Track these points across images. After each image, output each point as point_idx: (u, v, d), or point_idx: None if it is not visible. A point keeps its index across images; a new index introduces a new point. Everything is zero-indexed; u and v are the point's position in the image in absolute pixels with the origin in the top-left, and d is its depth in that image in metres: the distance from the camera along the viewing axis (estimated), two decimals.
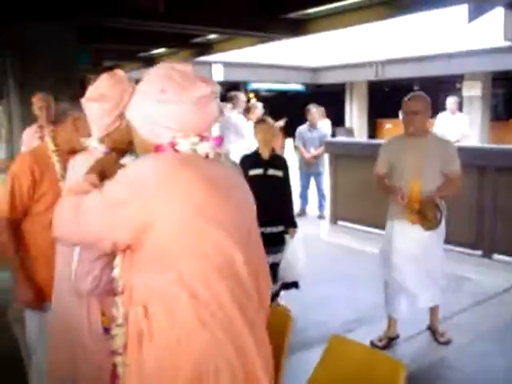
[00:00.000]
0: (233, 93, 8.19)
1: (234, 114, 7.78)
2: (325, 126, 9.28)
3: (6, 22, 5.74)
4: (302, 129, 8.70)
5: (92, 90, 2.03)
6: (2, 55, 6.10)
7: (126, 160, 1.93)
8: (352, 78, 17.90)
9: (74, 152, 2.47)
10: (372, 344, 3.93)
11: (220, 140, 1.52)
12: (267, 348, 1.52)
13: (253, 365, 1.41)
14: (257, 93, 22.06)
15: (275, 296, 4.42)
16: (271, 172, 4.36)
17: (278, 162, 4.46)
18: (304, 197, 8.76)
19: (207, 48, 10.29)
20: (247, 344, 1.40)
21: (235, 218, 1.46)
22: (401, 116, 3.90)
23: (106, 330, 1.94)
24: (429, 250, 3.88)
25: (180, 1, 6.47)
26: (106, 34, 8.40)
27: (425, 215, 3.70)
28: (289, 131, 8.80)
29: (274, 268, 4.32)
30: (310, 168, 8.61)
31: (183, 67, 1.51)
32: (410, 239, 3.86)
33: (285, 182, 4.44)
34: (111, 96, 1.96)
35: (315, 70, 18.48)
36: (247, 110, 8.06)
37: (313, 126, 8.57)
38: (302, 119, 8.86)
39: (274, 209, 4.28)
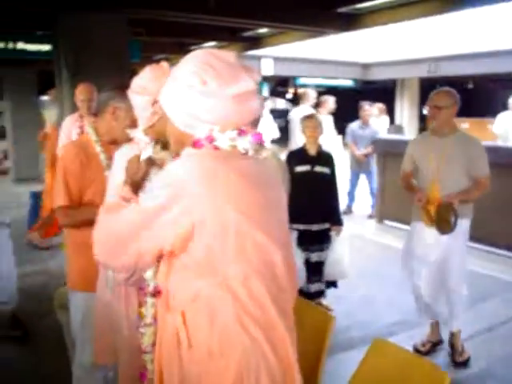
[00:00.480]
0: (303, 90, 8.40)
1: (302, 109, 7.82)
2: (382, 123, 9.12)
3: (60, 13, 5.88)
4: (353, 126, 8.51)
5: (135, 82, 2.04)
6: (55, 45, 6.26)
7: (162, 155, 1.91)
8: (404, 74, 17.55)
9: (115, 142, 2.51)
10: (415, 349, 3.82)
11: (260, 136, 1.43)
12: (295, 335, 1.49)
13: (288, 359, 1.41)
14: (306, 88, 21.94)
15: (320, 294, 4.38)
16: (318, 169, 4.31)
17: (325, 158, 4.41)
18: (351, 195, 8.64)
19: (257, 42, 10.29)
20: (284, 340, 1.40)
21: (273, 217, 1.43)
22: (425, 111, 3.73)
23: None
24: (450, 256, 3.68)
25: None
26: (156, 27, 8.50)
27: (441, 218, 3.52)
28: (337, 128, 8.65)
29: (320, 266, 4.28)
30: (360, 166, 8.45)
31: (226, 56, 1.43)
32: (427, 243, 3.71)
33: (331, 178, 4.38)
34: (152, 88, 1.96)
35: (366, 66, 18.20)
36: (318, 105, 8.08)
37: (365, 124, 8.37)
38: (352, 116, 8.73)
39: (320, 206, 4.23)
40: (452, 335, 3.84)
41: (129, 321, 2.02)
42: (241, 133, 1.39)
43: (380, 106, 8.97)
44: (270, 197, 1.44)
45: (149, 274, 1.44)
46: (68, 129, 4.88)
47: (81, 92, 4.86)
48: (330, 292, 4.52)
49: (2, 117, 12.26)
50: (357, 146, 8.38)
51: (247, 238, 1.34)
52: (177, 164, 1.38)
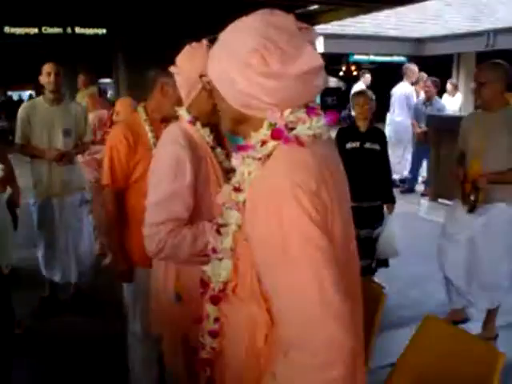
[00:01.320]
0: (406, 65, 8.59)
1: (403, 86, 7.83)
2: (456, 100, 8.93)
3: (116, 5, 6.01)
4: (416, 103, 8.32)
5: (176, 60, 2.07)
6: (111, 31, 6.41)
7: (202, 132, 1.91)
8: (460, 49, 16.94)
9: (165, 120, 2.55)
10: None
11: (333, 115, 1.31)
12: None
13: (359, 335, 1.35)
14: (359, 65, 21.55)
15: (369, 271, 4.39)
16: (368, 145, 4.28)
17: (376, 135, 4.37)
18: (413, 174, 8.48)
19: (310, 19, 10.15)
20: (358, 318, 1.36)
21: (348, 206, 1.35)
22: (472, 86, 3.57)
23: (178, 297, 2.03)
24: (484, 241, 3.50)
25: None
26: (207, 5, 8.52)
27: (467, 196, 3.44)
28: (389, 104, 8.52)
29: (369, 243, 4.28)
30: (421, 144, 8.21)
31: (286, 23, 1.24)
32: (458, 221, 3.61)
33: (382, 155, 4.35)
34: (187, 67, 1.99)
35: (420, 41, 17.68)
36: (416, 82, 8.05)
37: (428, 100, 8.10)
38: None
39: (370, 183, 4.21)
40: (487, 316, 3.73)
41: (166, 296, 2.08)
42: (309, 112, 1.26)
43: (453, 81, 8.74)
44: (345, 183, 1.38)
45: (224, 275, 1.36)
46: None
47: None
48: (382, 270, 4.50)
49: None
50: (419, 123, 8.14)
51: (344, 237, 1.26)
52: (268, 172, 1.22)
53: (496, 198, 3.38)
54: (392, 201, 4.39)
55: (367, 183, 4.23)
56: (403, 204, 7.68)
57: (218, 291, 1.39)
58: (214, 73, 1.31)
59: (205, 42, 2.04)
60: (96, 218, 5.11)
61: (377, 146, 4.31)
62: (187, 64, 2.00)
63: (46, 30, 8.66)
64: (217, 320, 1.43)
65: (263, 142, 1.25)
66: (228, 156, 2.08)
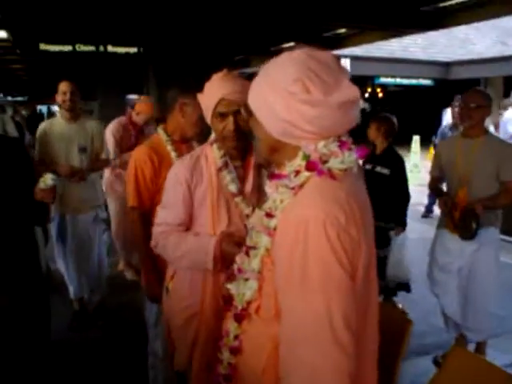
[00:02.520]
0: None
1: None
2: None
3: (148, 19, 6.16)
4: (444, 127, 8.16)
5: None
6: (144, 53, 6.56)
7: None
8: (487, 73, 16.86)
9: (186, 140, 2.64)
10: (434, 361, 3.68)
11: (364, 150, 1.36)
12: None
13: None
14: (384, 87, 21.55)
15: (392, 294, 4.38)
16: (378, 169, 4.28)
17: (389, 158, 4.34)
18: (432, 197, 8.41)
19: (338, 42, 10.24)
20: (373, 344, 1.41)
21: (372, 235, 1.38)
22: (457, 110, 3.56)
23: (167, 290, 2.27)
24: (476, 267, 3.47)
25: None
26: (237, 29, 8.66)
27: (463, 224, 3.37)
28: (416, 128, 8.49)
29: (379, 262, 4.27)
30: None
31: (325, 57, 1.30)
32: (450, 251, 3.55)
33: (391, 180, 4.31)
34: (205, 93, 2.12)
35: (447, 65, 17.65)
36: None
37: (455, 125, 7.88)
38: (431, 115, 8.52)
39: (375, 205, 4.21)
40: (477, 345, 3.69)
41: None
42: (342, 145, 1.30)
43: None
44: (371, 213, 1.42)
45: (249, 294, 1.42)
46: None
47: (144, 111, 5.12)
48: (405, 296, 4.47)
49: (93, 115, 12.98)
50: None
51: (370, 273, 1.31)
52: (300, 204, 1.26)
53: (485, 222, 3.35)
54: (401, 224, 4.37)
55: (374, 205, 4.21)
56: (425, 229, 7.64)
57: (241, 310, 1.45)
58: (254, 102, 1.36)
59: (225, 70, 2.14)
60: (118, 236, 5.20)
61: (386, 171, 4.29)
62: (206, 90, 2.12)
63: (79, 47, 8.90)
64: (237, 337, 1.48)
65: (297, 172, 1.30)
66: (244, 178, 2.17)
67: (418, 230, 7.67)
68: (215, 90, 2.06)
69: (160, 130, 2.87)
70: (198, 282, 2.13)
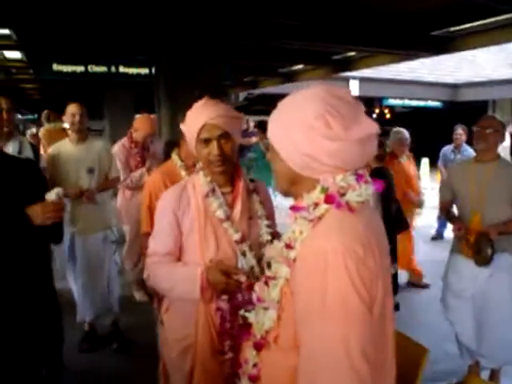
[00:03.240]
0: None
1: None
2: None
3: (159, 42, 6.24)
4: (445, 150, 8.23)
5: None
6: (157, 70, 6.63)
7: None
8: (496, 95, 16.91)
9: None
10: None
11: (380, 184, 1.40)
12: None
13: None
14: (392, 109, 21.63)
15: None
16: None
17: (376, 176, 4.37)
18: (442, 220, 8.40)
19: (347, 64, 10.30)
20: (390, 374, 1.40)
21: (389, 265, 1.41)
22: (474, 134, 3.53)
23: (162, 322, 2.31)
24: (491, 293, 3.44)
25: (322, 19, 6.57)
26: (247, 51, 8.77)
27: (477, 249, 3.34)
28: (424, 150, 8.49)
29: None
30: None
31: (344, 94, 1.36)
32: (463, 277, 3.53)
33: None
34: (188, 121, 2.18)
35: (455, 87, 17.73)
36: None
37: (457, 148, 8.03)
38: (440, 137, 8.53)
39: None
40: (491, 373, 3.66)
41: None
42: (359, 178, 1.35)
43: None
44: (387, 243, 1.44)
45: (268, 324, 1.42)
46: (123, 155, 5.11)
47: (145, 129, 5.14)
48: (416, 321, 4.45)
49: (103, 134, 13.07)
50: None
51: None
52: (318, 238, 1.29)
53: (499, 248, 3.33)
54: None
55: None
56: (435, 251, 7.60)
57: (260, 338, 1.46)
58: (275, 136, 1.41)
59: (206, 98, 2.19)
60: (129, 257, 5.21)
61: None
62: (189, 118, 2.17)
63: (91, 68, 9.02)
64: (255, 365, 1.49)
65: (315, 205, 1.34)
66: (233, 203, 2.19)
67: (429, 252, 7.64)
68: (198, 117, 2.11)
69: (174, 156, 2.92)
70: (190, 314, 2.13)
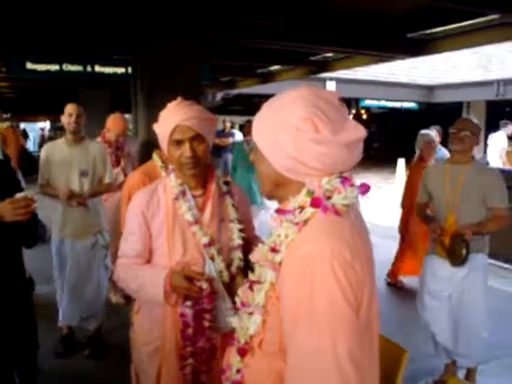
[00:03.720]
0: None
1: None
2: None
3: (137, 41, 6.17)
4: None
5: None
6: (134, 69, 6.55)
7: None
8: (470, 97, 17.20)
9: None
10: None
11: (366, 188, 1.37)
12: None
13: None
14: (369, 110, 21.82)
15: None
16: None
17: None
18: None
19: (324, 65, 10.35)
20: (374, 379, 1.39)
21: (373, 268, 1.39)
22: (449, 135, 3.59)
23: (131, 324, 2.31)
24: (467, 293, 3.51)
25: (300, 20, 6.58)
26: (226, 52, 8.75)
27: (453, 250, 3.40)
28: (397, 150, 8.55)
29: None
30: None
31: (331, 97, 1.34)
32: (440, 277, 3.58)
33: None
34: (160, 122, 2.17)
35: (431, 88, 17.96)
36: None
37: None
38: (415, 137, 8.60)
39: None
40: (468, 372, 3.72)
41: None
42: (344, 181, 1.32)
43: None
44: (371, 246, 1.43)
45: (254, 329, 1.39)
46: None
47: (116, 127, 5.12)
48: (393, 322, 4.46)
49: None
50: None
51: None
52: (306, 242, 1.27)
53: (474, 248, 3.39)
54: None
55: None
56: None
57: (244, 343, 1.43)
58: (260, 137, 1.38)
59: (179, 99, 2.17)
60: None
61: None
62: (161, 119, 2.15)
63: (66, 67, 8.87)
64: (239, 371, 1.47)
65: (301, 208, 1.32)
66: (204, 206, 2.16)
67: None
68: (170, 118, 2.08)
69: (155, 156, 2.88)
70: (158, 317, 2.12)
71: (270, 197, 1.46)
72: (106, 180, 4.27)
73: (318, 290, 1.18)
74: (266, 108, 1.39)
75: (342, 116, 1.31)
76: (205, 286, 1.96)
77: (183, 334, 2.06)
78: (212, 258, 2.09)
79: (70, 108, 4.08)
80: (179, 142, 2.06)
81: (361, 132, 1.31)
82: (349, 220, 1.31)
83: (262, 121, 1.38)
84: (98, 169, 4.18)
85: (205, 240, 2.08)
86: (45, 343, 2.79)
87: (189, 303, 2.04)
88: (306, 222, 1.30)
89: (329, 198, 1.30)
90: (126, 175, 4.90)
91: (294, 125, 1.27)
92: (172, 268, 2.02)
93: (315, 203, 1.30)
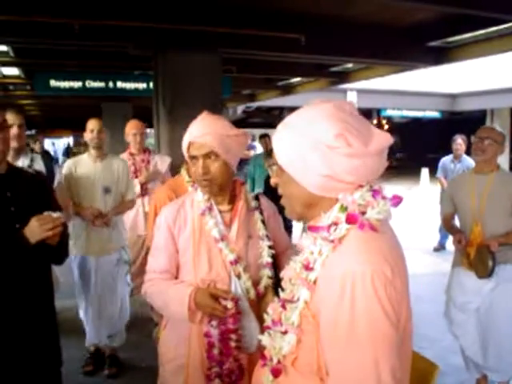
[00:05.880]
0: None
1: None
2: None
3: (161, 55, 6.23)
4: (445, 160, 8.17)
5: None
6: (155, 84, 6.61)
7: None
8: (494, 104, 16.95)
9: None
10: None
11: (398, 200, 1.33)
12: None
13: None
14: (390, 119, 21.68)
15: None
16: None
17: None
18: (444, 231, 8.34)
19: (345, 77, 10.32)
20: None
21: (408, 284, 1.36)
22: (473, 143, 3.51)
23: (157, 340, 2.33)
24: (495, 306, 3.40)
25: (320, 32, 6.58)
26: (246, 65, 8.78)
27: (479, 261, 3.31)
28: (420, 160, 8.45)
29: None
30: None
31: (351, 109, 1.33)
32: (467, 290, 3.48)
33: None
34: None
35: (454, 97, 17.76)
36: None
37: (456, 158, 7.95)
38: (438, 147, 8.51)
39: None
40: None
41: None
42: (375, 194, 1.30)
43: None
44: (405, 260, 1.38)
45: (287, 348, 1.35)
46: None
47: (133, 126, 5.00)
48: (421, 334, 4.38)
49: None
50: (446, 180, 8.11)
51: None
52: (350, 258, 1.22)
53: (502, 259, 3.31)
54: None
55: None
56: (437, 262, 7.55)
57: (277, 363, 1.39)
58: (287, 161, 1.33)
59: (205, 112, 2.14)
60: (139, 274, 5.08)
61: None
62: (185, 133, 2.12)
63: (89, 83, 9.02)
64: None
65: (335, 224, 1.28)
66: (231, 220, 2.13)
67: (431, 263, 7.60)
68: (188, 133, 2.08)
69: (183, 171, 2.88)
70: (184, 334, 2.08)
71: (301, 218, 1.43)
72: (129, 197, 4.24)
73: (360, 308, 1.16)
74: (286, 128, 1.35)
75: (367, 126, 1.31)
76: (230, 305, 1.92)
77: (208, 354, 2.02)
78: (238, 276, 2.04)
79: (91, 124, 4.09)
80: (194, 158, 2.04)
81: (388, 138, 1.30)
82: (385, 235, 1.29)
83: (286, 142, 1.33)
84: (120, 185, 4.15)
85: (231, 257, 2.04)
86: (68, 361, 2.76)
87: (214, 323, 1.99)
88: (340, 239, 1.27)
89: (363, 213, 1.27)
90: (144, 189, 4.89)
91: (324, 143, 1.24)
92: (197, 285, 1.99)
93: (351, 220, 1.27)
